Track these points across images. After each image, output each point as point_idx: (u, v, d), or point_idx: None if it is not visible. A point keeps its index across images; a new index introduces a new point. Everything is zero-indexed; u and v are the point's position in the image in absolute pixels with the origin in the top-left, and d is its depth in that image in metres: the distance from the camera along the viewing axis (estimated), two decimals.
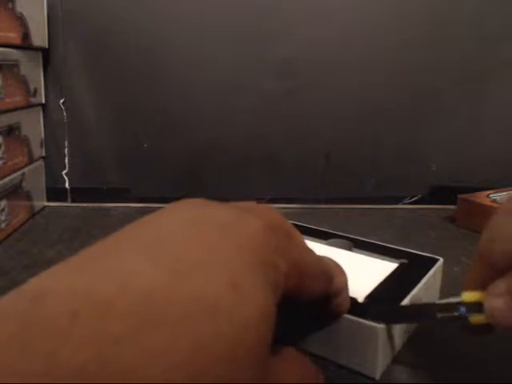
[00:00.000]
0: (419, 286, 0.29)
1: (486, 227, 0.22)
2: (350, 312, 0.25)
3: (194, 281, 0.13)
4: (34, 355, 0.11)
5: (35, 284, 0.13)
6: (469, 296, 0.22)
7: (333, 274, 0.21)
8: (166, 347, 0.12)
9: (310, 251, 0.20)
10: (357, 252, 0.35)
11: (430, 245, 0.47)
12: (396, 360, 0.28)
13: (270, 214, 0.18)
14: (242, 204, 0.19)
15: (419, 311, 0.26)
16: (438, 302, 0.24)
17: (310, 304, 0.20)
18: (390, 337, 0.27)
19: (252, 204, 0.19)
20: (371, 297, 0.28)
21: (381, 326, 0.26)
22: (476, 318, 0.22)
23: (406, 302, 0.28)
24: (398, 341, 0.29)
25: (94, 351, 0.11)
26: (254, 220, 0.17)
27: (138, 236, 0.16)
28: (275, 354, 0.16)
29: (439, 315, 0.23)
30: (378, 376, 0.26)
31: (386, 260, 0.34)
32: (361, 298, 0.28)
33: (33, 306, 0.12)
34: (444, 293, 0.36)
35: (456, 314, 0.22)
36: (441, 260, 0.33)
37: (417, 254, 0.34)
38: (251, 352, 0.13)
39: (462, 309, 0.22)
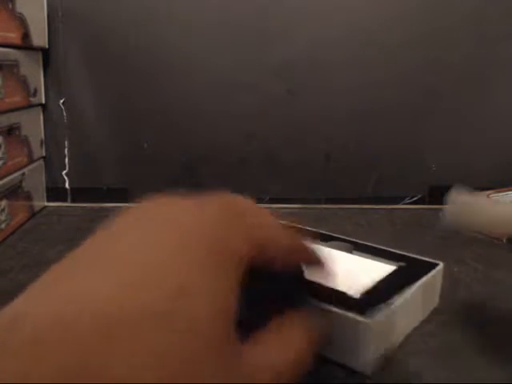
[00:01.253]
0: (413, 288, 0.29)
1: None
2: (342, 306, 0.26)
3: (143, 293, 0.14)
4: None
5: (12, 308, 0.15)
6: None
7: (305, 248, 0.22)
8: (126, 361, 0.12)
9: (280, 230, 0.20)
10: (357, 254, 0.35)
11: (430, 245, 0.47)
12: (394, 356, 0.28)
13: (227, 201, 0.20)
14: (203, 197, 0.20)
15: None
16: None
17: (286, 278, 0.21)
18: (386, 332, 0.27)
19: (215, 195, 0.20)
20: (365, 294, 0.28)
21: (372, 321, 0.25)
22: None
23: (397, 303, 0.28)
24: (398, 337, 0.29)
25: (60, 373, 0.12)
26: (200, 211, 0.18)
27: (92, 254, 0.16)
28: (247, 341, 0.17)
29: None
30: (369, 371, 0.26)
31: (385, 263, 0.34)
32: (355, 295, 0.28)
33: (11, 327, 0.13)
34: (444, 293, 0.36)
35: None
36: (441, 265, 0.33)
37: (417, 259, 0.34)
38: (209, 351, 0.14)
39: None
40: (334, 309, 0.26)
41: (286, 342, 0.19)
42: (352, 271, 0.32)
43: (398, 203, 0.62)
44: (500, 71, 0.60)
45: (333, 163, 0.62)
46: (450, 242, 0.48)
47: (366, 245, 0.37)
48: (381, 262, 0.34)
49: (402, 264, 0.33)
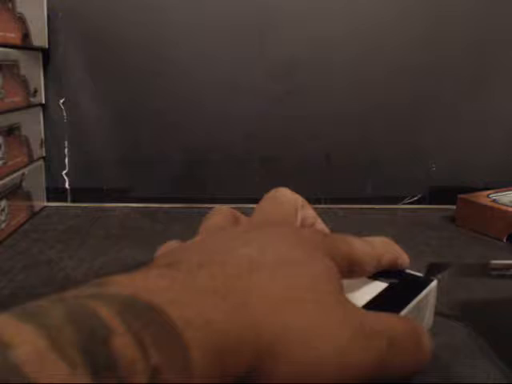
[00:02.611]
0: (407, 309, 0.26)
1: None
2: None
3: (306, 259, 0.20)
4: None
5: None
6: None
7: (380, 254, 0.26)
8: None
9: (354, 241, 0.25)
10: None
11: (430, 245, 0.47)
12: None
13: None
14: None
15: (473, 268, 0.27)
16: (492, 262, 0.25)
17: None
18: None
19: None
20: None
21: None
22: None
23: None
24: None
25: None
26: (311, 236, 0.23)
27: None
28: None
29: (494, 272, 0.24)
30: None
31: (377, 280, 0.30)
32: None
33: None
34: (443, 295, 0.36)
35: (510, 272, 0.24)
36: (435, 282, 0.30)
37: (410, 274, 0.30)
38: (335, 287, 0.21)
39: None
40: None
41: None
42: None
43: (397, 203, 0.62)
44: (500, 71, 0.60)
45: (333, 163, 0.62)
46: (450, 241, 0.48)
47: None
48: (372, 278, 0.30)
49: (393, 281, 0.29)
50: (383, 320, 0.21)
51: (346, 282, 0.30)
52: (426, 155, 0.62)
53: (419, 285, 0.29)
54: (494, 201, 0.52)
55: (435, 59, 0.60)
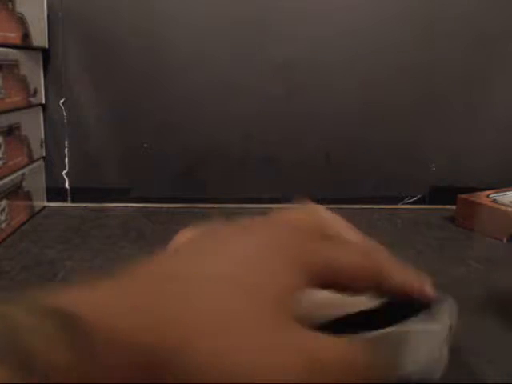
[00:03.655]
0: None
1: None
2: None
3: (256, 277, 0.19)
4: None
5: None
6: None
7: (381, 267, 0.23)
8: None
9: (348, 250, 0.23)
10: None
11: (430, 245, 0.47)
12: None
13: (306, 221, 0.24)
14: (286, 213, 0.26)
15: None
16: None
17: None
18: None
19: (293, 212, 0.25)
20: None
21: None
22: None
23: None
24: None
25: None
26: (284, 234, 0.22)
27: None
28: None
29: None
30: None
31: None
32: None
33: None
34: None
35: None
36: (444, 326, 0.24)
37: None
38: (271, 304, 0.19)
39: None
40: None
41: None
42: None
43: (397, 203, 0.62)
44: (500, 71, 0.60)
45: (333, 163, 0.62)
46: (450, 242, 0.48)
47: None
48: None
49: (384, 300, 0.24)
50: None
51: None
52: (426, 155, 0.62)
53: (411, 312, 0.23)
54: (494, 201, 0.52)
55: (435, 59, 0.60)
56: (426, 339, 0.23)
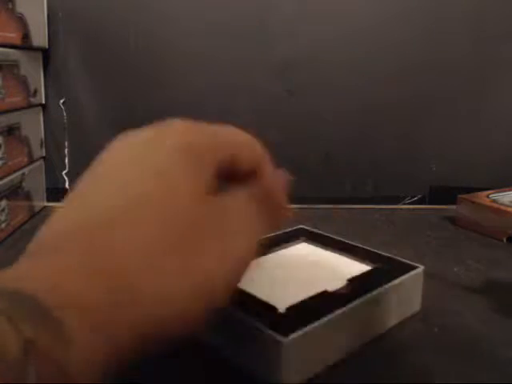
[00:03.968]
0: (356, 302, 0.28)
1: None
2: (263, 321, 0.25)
3: (137, 189, 0.20)
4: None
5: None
6: None
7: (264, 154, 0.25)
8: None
9: (233, 133, 0.24)
10: (338, 253, 0.35)
11: (430, 245, 0.47)
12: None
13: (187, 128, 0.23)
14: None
15: None
16: None
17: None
18: (309, 352, 0.25)
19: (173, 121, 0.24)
20: (294, 308, 0.27)
21: (286, 340, 0.24)
22: None
23: (322, 321, 0.26)
24: (334, 352, 0.27)
25: None
26: (171, 132, 0.23)
27: (98, 176, 0.22)
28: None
29: None
30: None
31: (361, 262, 0.33)
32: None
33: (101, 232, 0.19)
34: (443, 295, 0.36)
35: None
36: (420, 268, 0.32)
37: (398, 261, 0.33)
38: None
39: None
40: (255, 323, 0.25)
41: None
42: (321, 271, 0.32)
43: (397, 203, 0.62)
44: (500, 71, 0.60)
45: (332, 163, 0.62)
46: (450, 241, 0.48)
47: (352, 245, 0.36)
48: (358, 261, 0.34)
49: (378, 265, 0.33)
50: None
51: (330, 261, 0.34)
52: (426, 155, 0.62)
53: (403, 270, 0.32)
54: (494, 201, 0.52)
55: (435, 59, 0.60)
56: (414, 286, 0.32)
